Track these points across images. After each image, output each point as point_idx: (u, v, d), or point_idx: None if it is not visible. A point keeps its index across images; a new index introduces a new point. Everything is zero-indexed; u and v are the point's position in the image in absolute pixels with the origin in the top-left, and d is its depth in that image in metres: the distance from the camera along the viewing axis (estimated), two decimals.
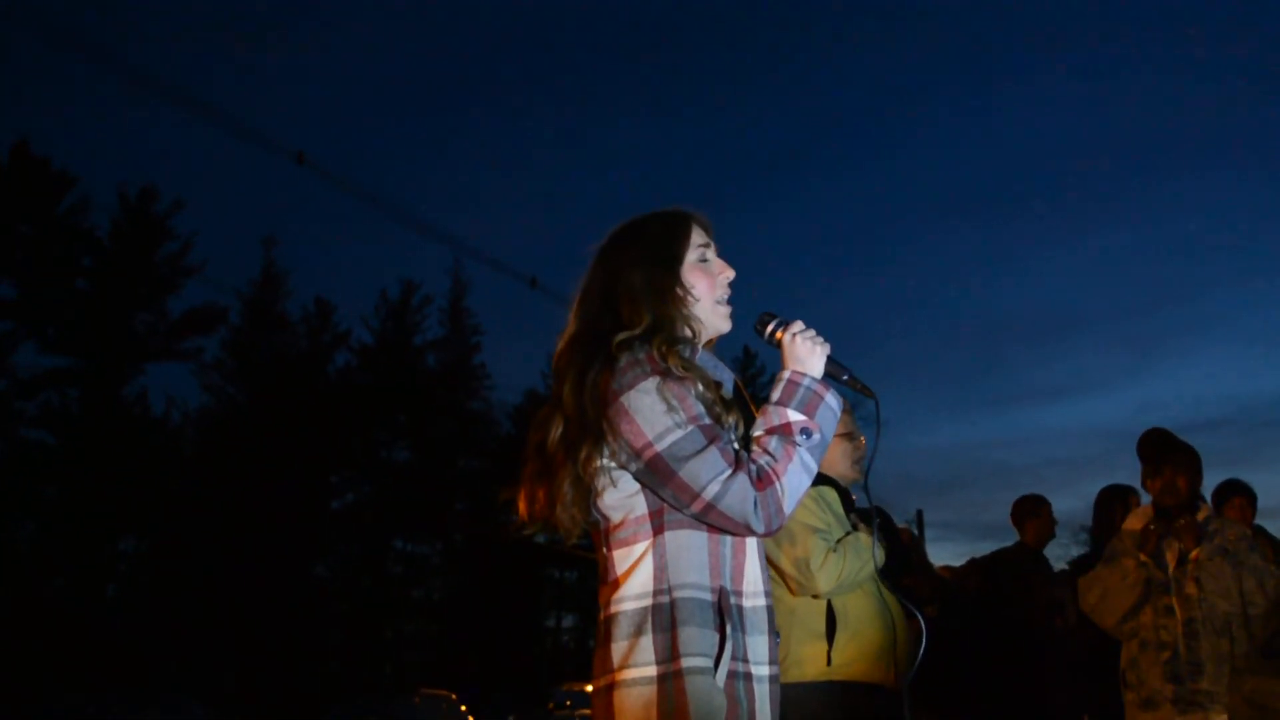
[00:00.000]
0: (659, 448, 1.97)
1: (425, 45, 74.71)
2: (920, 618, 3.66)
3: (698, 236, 2.26)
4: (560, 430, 2.10)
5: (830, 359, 2.21)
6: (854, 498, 4.03)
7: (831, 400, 2.14)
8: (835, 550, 3.60)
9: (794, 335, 2.21)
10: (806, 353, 2.19)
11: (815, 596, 3.62)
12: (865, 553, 3.64)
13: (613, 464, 2.05)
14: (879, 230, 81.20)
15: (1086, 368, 74.18)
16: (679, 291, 2.18)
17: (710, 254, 2.27)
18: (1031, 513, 6.48)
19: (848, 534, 3.74)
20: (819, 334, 2.22)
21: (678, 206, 2.30)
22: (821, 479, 3.79)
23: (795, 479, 2.02)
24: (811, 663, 3.57)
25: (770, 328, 2.26)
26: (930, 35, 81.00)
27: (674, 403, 1.99)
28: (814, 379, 2.15)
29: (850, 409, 3.96)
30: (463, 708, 26.25)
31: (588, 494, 2.08)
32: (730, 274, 2.27)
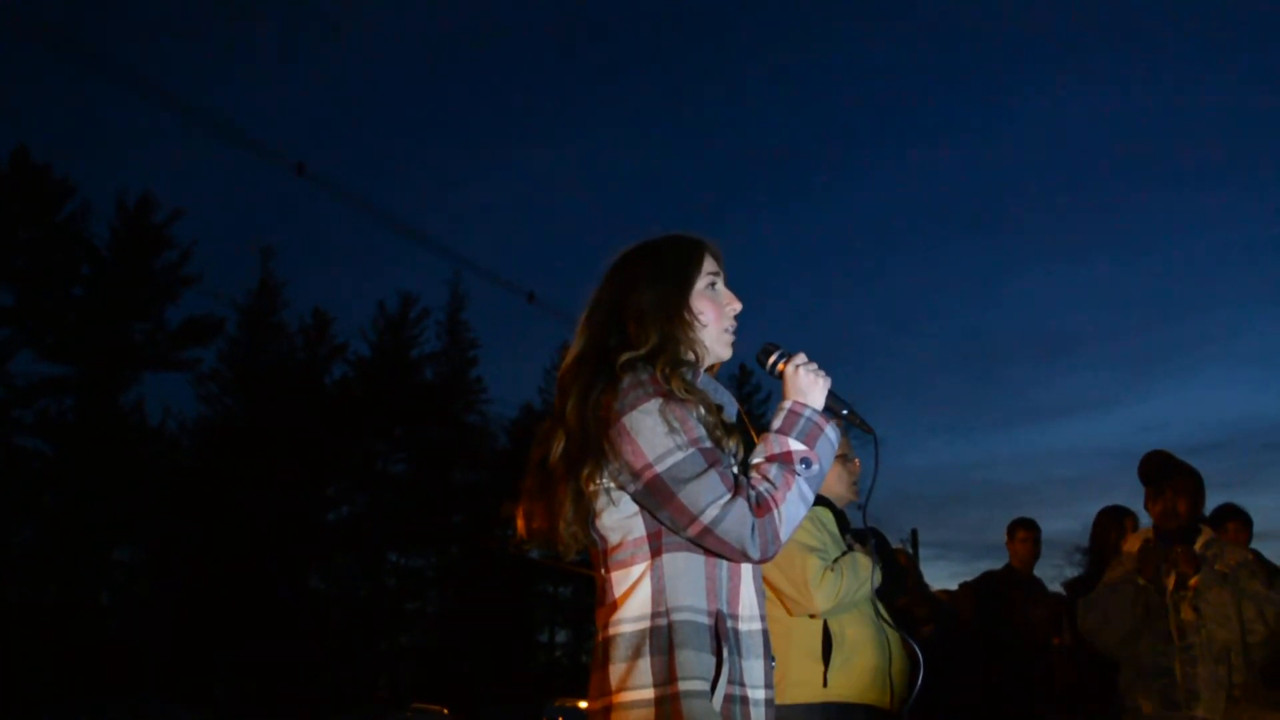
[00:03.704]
0: (659, 469, 1.97)
1: (426, 59, 74.94)
2: (914, 644, 3.66)
3: (709, 264, 2.26)
4: (562, 446, 2.10)
5: (831, 393, 2.22)
6: (849, 520, 4.02)
7: (831, 433, 2.15)
8: (833, 569, 3.60)
9: (797, 367, 2.22)
10: (809, 385, 2.19)
11: (812, 616, 3.61)
12: (863, 572, 3.63)
13: (612, 484, 2.05)
14: (878, 247, 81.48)
15: (1086, 387, 74.29)
16: (686, 316, 2.18)
17: (720, 283, 2.27)
18: (1008, 536, 6.53)
19: (844, 553, 3.74)
20: (820, 367, 2.23)
21: (691, 232, 2.30)
22: (817, 499, 3.79)
23: (793, 508, 2.03)
24: (807, 684, 3.56)
25: (773, 359, 2.27)
26: (931, 52, 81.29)
27: (675, 424, 1.99)
28: (815, 410, 2.16)
29: (846, 431, 3.95)
30: None
31: (588, 512, 2.08)
32: (737, 306, 2.27)
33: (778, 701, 3.40)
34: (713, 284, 2.25)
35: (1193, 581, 4.33)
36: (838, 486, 3.94)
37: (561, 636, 45.23)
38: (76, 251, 32.66)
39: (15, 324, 31.34)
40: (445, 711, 27.68)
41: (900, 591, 4.53)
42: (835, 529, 3.84)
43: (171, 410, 38.32)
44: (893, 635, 3.72)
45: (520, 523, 2.18)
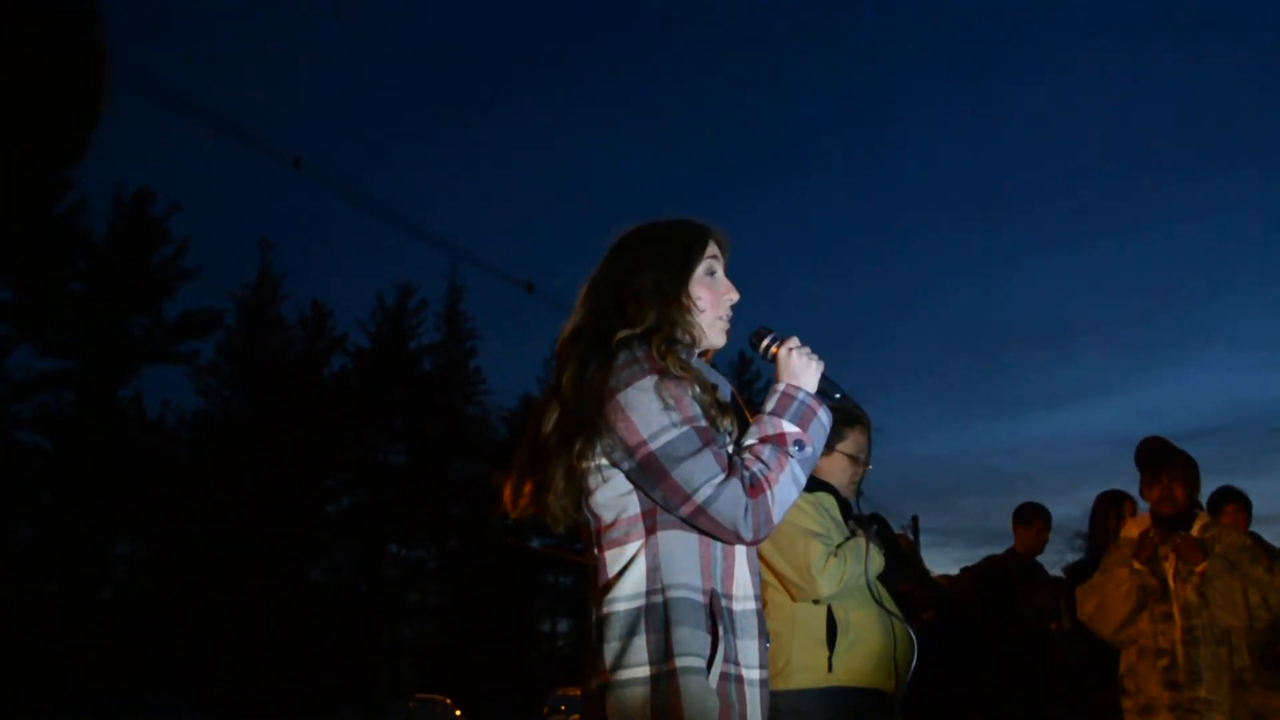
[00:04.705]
0: (653, 446, 1.97)
1: (423, 50, 74.76)
2: (910, 630, 3.67)
3: (711, 250, 2.27)
4: (555, 419, 2.11)
5: (824, 376, 2.22)
6: (852, 508, 4.02)
7: (824, 416, 2.15)
8: (836, 555, 3.60)
9: (790, 350, 2.22)
10: (802, 368, 2.19)
11: (816, 601, 3.62)
12: (868, 557, 3.63)
13: (606, 462, 2.05)
14: (877, 234, 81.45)
15: (1086, 374, 74.25)
16: (684, 300, 2.19)
17: (719, 270, 2.28)
18: (1023, 522, 6.47)
19: (848, 539, 3.74)
20: (813, 351, 2.23)
21: (699, 218, 2.31)
22: (821, 485, 3.80)
23: (786, 490, 2.03)
24: (813, 670, 3.56)
25: (766, 342, 2.27)
26: (932, 37, 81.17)
27: (670, 402, 1.99)
28: (808, 393, 2.15)
29: (870, 435, 3.92)
30: (457, 712, 26.24)
31: (579, 488, 2.08)
32: (735, 296, 2.27)
33: (784, 687, 3.43)
34: (712, 271, 2.26)
35: (1200, 568, 4.34)
36: (840, 481, 3.93)
37: (563, 626, 45.30)
38: (74, 246, 32.60)
39: (13, 319, 31.31)
40: (448, 702, 27.73)
41: (904, 578, 4.54)
42: (838, 514, 3.84)
43: (170, 404, 38.48)
44: (895, 620, 3.73)
45: (507, 494, 2.19)
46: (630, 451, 2.00)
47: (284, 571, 33.93)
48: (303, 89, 70.39)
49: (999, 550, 6.63)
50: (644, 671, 1.94)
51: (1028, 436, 76.02)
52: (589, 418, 2.04)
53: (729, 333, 2.28)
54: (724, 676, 1.97)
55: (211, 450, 34.42)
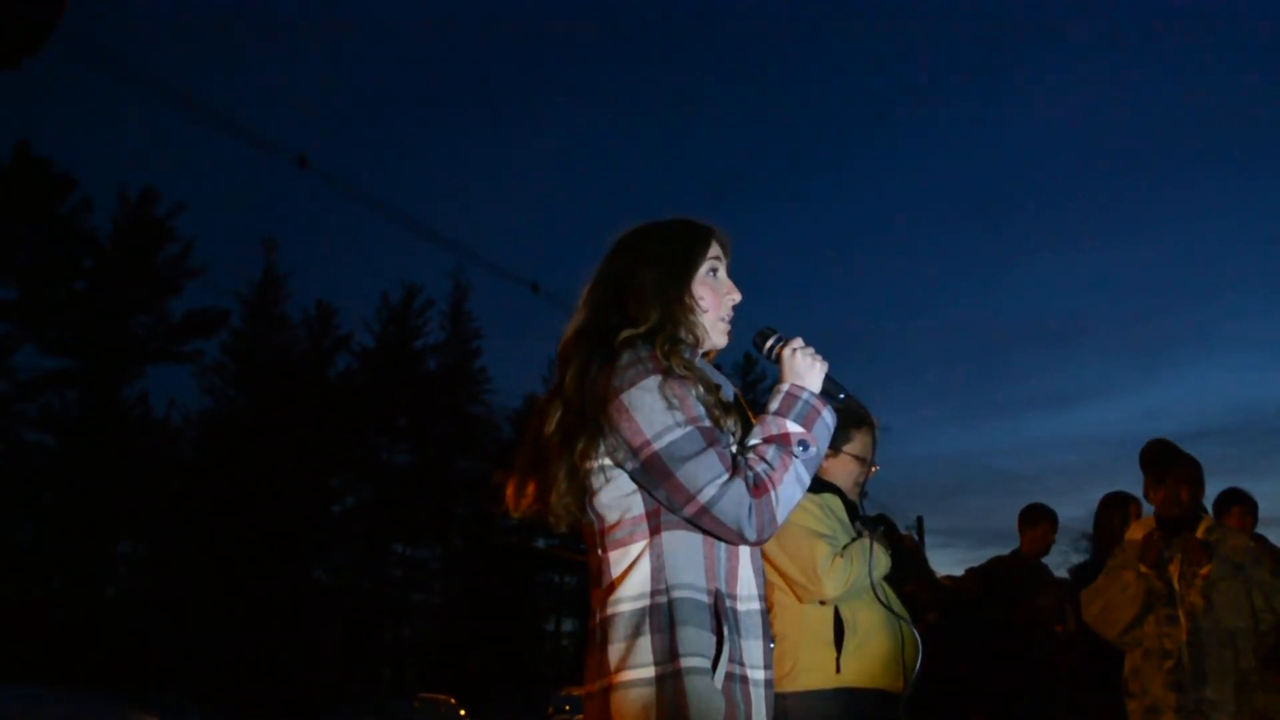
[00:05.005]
0: (657, 446, 1.96)
1: (428, 49, 74.88)
2: (914, 630, 3.66)
3: (714, 250, 2.25)
4: (558, 418, 2.10)
5: (828, 377, 2.21)
6: (858, 509, 4.01)
7: (828, 416, 2.13)
8: (842, 556, 3.59)
9: (794, 350, 2.20)
10: (806, 368, 2.18)
11: (822, 602, 3.61)
12: (873, 558, 3.63)
13: (609, 462, 2.04)
14: (882, 235, 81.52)
15: (1091, 375, 74.37)
16: (687, 300, 2.18)
17: (721, 270, 2.26)
18: (1029, 523, 6.45)
19: (854, 540, 3.73)
20: (817, 351, 2.22)
21: (700, 217, 2.30)
22: (827, 487, 3.79)
23: (790, 490, 2.01)
24: (820, 670, 3.55)
25: (770, 343, 2.25)
26: (935, 38, 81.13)
27: (675, 402, 1.98)
28: (812, 394, 2.14)
29: (876, 436, 3.91)
30: (461, 712, 26.26)
31: (582, 488, 2.07)
32: (736, 297, 2.26)
33: (792, 689, 3.42)
34: (714, 270, 2.25)
35: (1204, 571, 4.33)
36: (846, 482, 3.92)
37: (567, 625, 45.39)
38: (79, 245, 32.67)
39: (18, 318, 31.37)
40: (452, 701, 27.74)
41: (909, 579, 4.53)
42: (844, 515, 3.83)
43: (175, 403, 38.46)
44: (902, 621, 3.72)
45: (510, 494, 2.18)
46: (634, 451, 1.99)
47: (287, 571, 33.98)
48: (308, 88, 70.54)
49: (1004, 551, 6.61)
50: (649, 672, 1.92)
51: (1032, 437, 76.17)
52: (592, 417, 2.02)
53: (731, 334, 2.27)
54: (729, 677, 1.96)
55: (215, 449, 34.49)
